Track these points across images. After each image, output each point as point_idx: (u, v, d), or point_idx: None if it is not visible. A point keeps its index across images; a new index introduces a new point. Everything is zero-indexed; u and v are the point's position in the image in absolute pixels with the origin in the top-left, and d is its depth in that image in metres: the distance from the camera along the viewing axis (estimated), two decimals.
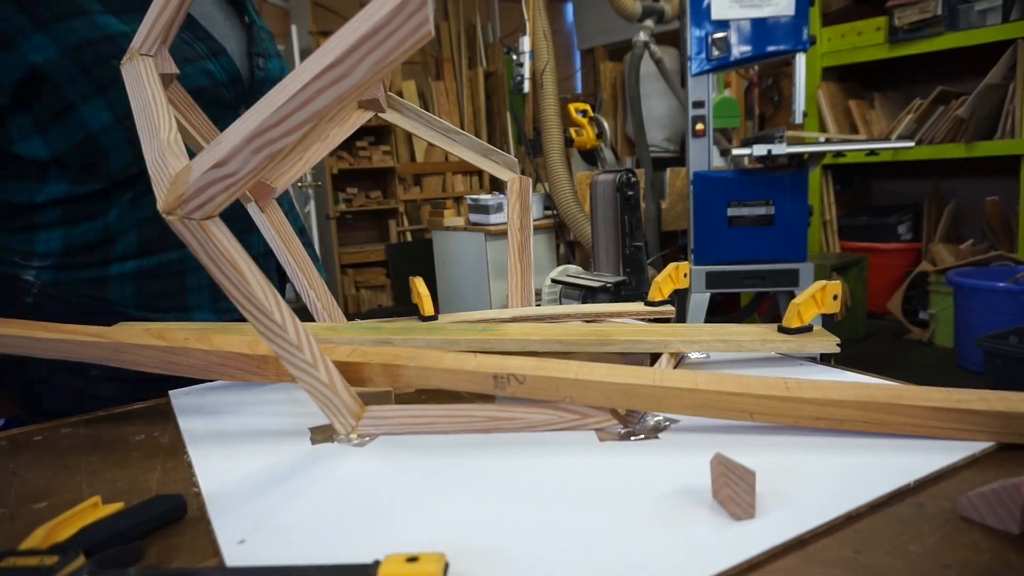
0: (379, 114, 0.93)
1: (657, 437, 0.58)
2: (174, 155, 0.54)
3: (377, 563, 0.38)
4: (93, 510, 0.47)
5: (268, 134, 0.47)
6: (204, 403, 0.74)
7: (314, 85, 0.45)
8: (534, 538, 0.43)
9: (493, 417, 0.61)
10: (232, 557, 0.43)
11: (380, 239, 6.13)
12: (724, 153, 2.94)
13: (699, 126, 2.63)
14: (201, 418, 0.69)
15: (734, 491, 0.44)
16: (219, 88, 0.92)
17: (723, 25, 2.47)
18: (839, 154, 3.90)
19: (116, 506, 0.48)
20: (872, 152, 3.74)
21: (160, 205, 0.51)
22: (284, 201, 1.00)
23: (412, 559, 0.37)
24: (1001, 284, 3.09)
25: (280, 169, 0.87)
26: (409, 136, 5.92)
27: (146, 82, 0.64)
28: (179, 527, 0.48)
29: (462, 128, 6.05)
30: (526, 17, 3.47)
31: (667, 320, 0.87)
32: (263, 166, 0.48)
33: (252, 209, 0.86)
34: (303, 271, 0.86)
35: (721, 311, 4.03)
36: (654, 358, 0.74)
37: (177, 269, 0.91)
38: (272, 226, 0.85)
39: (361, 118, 0.93)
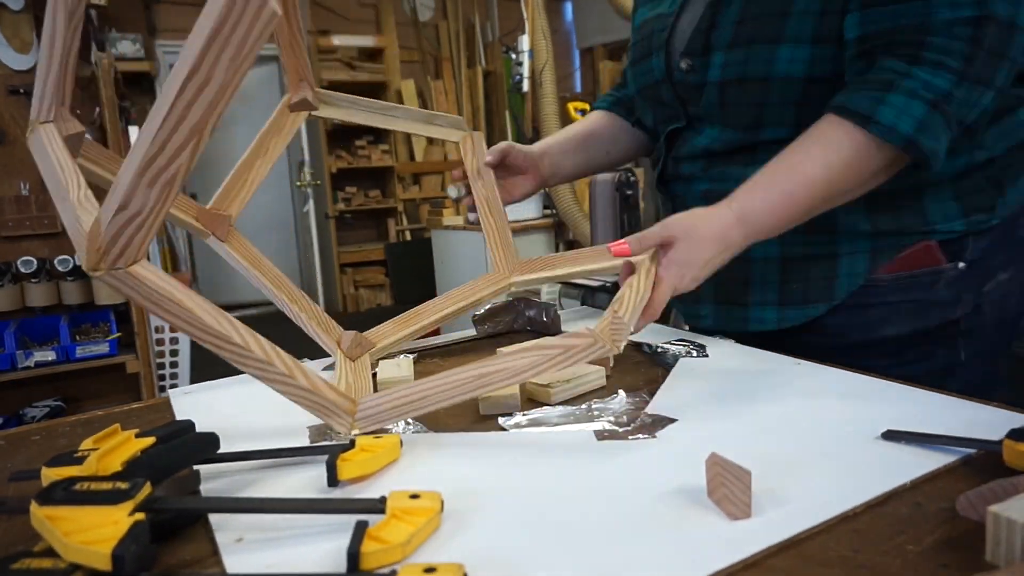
0: (312, 113, 0.92)
1: (655, 436, 0.58)
2: (86, 211, 0.53)
3: (394, 572, 0.38)
4: (131, 443, 0.50)
5: (156, 164, 0.45)
6: (202, 402, 0.74)
7: (181, 101, 0.43)
8: (532, 537, 0.43)
9: (480, 375, 0.59)
10: (230, 555, 0.43)
11: (379, 238, 6.12)
12: None
13: None
14: (199, 417, 0.69)
15: (730, 491, 0.44)
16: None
17: None
18: None
19: (149, 440, 0.51)
20: None
21: (84, 265, 0.49)
22: None
23: (430, 569, 0.38)
24: None
25: (229, 195, 0.85)
26: (408, 135, 5.92)
27: (49, 149, 0.62)
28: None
29: None
30: (525, 16, 3.47)
31: None
32: (165, 197, 0.47)
33: (212, 242, 0.84)
34: (280, 288, 0.84)
35: None
36: None
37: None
38: (236, 254, 0.83)
39: (296, 122, 0.91)
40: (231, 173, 0.87)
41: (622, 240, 0.73)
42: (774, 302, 0.82)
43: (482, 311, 0.96)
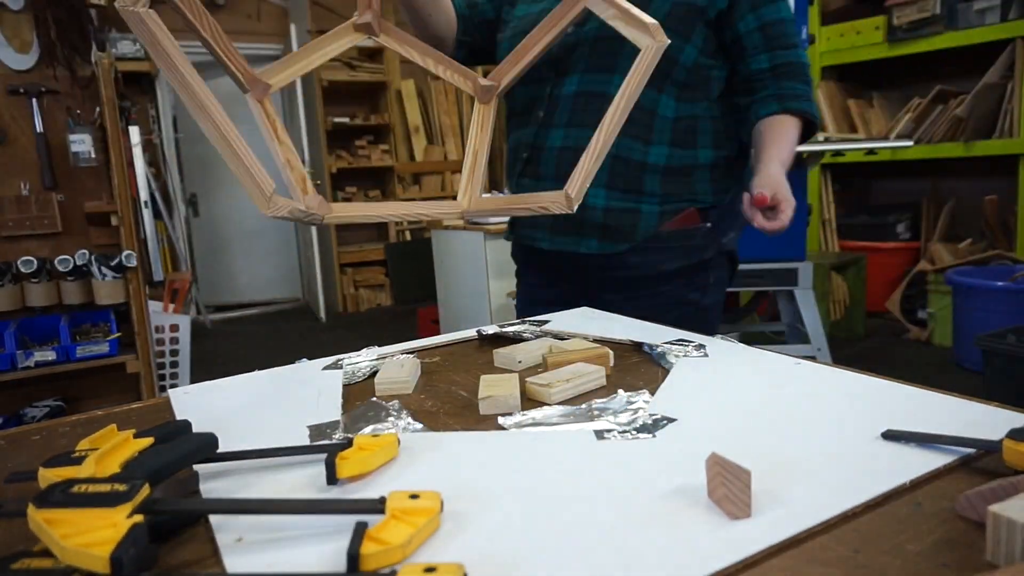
0: (372, 37, 0.92)
1: (655, 436, 0.58)
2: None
3: (394, 572, 0.38)
4: (128, 443, 0.51)
5: None
6: (202, 402, 0.74)
7: None
8: (532, 537, 0.43)
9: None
10: (230, 555, 0.43)
11: (379, 238, 6.12)
12: None
13: None
14: (199, 417, 0.69)
15: (730, 490, 0.44)
16: None
17: None
18: (838, 153, 3.90)
19: (147, 440, 0.51)
20: (871, 151, 3.74)
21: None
22: None
23: (430, 569, 0.38)
24: (999, 283, 3.09)
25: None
26: (408, 135, 5.92)
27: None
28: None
29: (461, 129, 6.04)
30: None
31: None
32: None
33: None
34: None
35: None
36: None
37: None
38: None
39: (355, 38, 0.91)
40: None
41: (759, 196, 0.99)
42: (597, 236, 1.16)
43: None
